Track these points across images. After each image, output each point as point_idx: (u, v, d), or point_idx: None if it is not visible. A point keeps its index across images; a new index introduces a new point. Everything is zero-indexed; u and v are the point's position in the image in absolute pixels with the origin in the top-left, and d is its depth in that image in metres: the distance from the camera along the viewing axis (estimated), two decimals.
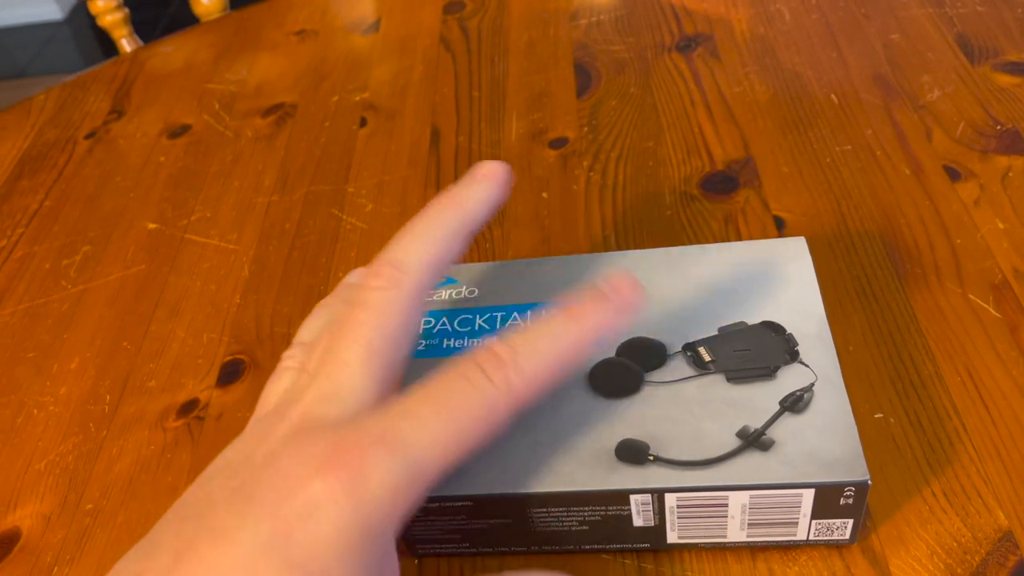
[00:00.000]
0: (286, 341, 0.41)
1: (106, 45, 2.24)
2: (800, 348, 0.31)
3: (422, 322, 0.31)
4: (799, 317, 0.32)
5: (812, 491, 0.27)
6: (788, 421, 0.28)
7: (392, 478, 0.22)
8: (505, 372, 0.23)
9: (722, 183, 0.44)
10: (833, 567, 0.29)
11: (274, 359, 0.40)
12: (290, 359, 0.27)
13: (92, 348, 0.43)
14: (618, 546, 0.30)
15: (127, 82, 0.62)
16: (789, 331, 0.31)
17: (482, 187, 0.28)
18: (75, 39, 2.32)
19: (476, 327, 0.34)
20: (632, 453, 0.29)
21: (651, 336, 0.32)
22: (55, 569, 0.34)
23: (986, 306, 0.36)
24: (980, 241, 0.39)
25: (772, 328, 0.31)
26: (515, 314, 0.34)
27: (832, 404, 0.29)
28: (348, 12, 0.65)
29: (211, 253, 0.47)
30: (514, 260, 0.35)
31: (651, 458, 0.28)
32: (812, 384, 0.29)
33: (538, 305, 0.34)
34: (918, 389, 0.34)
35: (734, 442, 0.28)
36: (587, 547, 0.30)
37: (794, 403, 0.29)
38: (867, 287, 0.38)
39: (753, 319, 0.32)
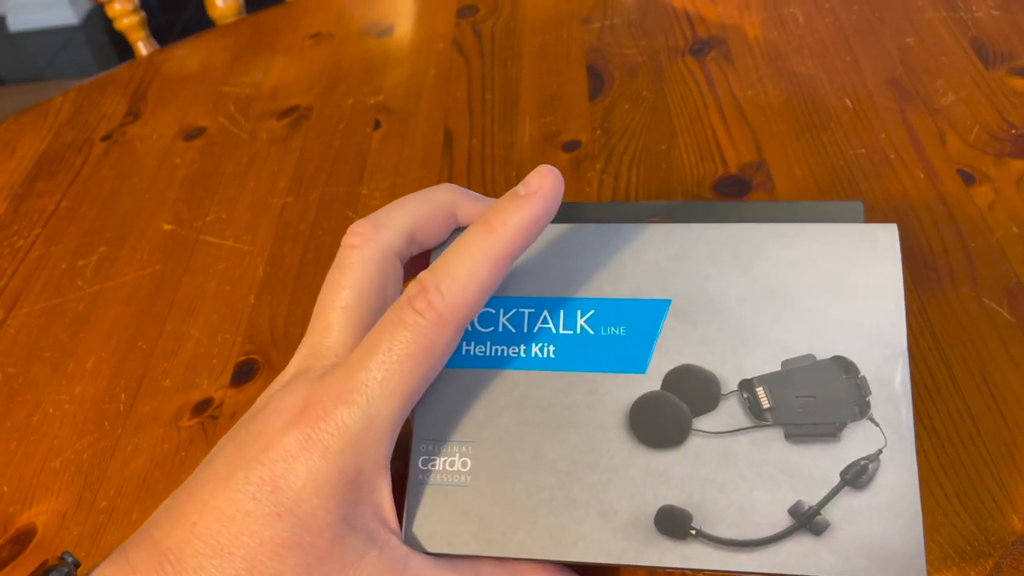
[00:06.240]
0: (300, 342, 0.41)
1: (120, 49, 2.26)
2: (872, 398, 0.26)
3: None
4: (877, 349, 0.27)
5: None
6: (847, 497, 0.26)
7: (350, 430, 0.25)
8: (430, 302, 0.25)
9: (735, 186, 0.44)
10: None
11: (287, 359, 0.40)
12: None
13: (107, 347, 0.43)
14: None
15: (143, 85, 0.63)
16: (863, 373, 0.27)
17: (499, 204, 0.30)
18: (90, 43, 2.34)
19: (500, 327, 0.29)
20: (673, 524, 0.26)
21: (702, 363, 0.28)
22: None
23: (1000, 310, 0.36)
24: (995, 245, 0.39)
25: (844, 368, 0.27)
26: (545, 312, 0.29)
27: (898, 480, 0.26)
28: (363, 16, 0.65)
29: (226, 254, 0.47)
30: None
31: (693, 532, 0.26)
32: (880, 451, 0.26)
33: (572, 300, 0.29)
34: (931, 392, 0.33)
35: (785, 520, 0.26)
36: None
37: (856, 476, 0.26)
38: None
39: (823, 344, 0.27)
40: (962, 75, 0.48)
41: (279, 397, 0.26)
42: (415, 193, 0.30)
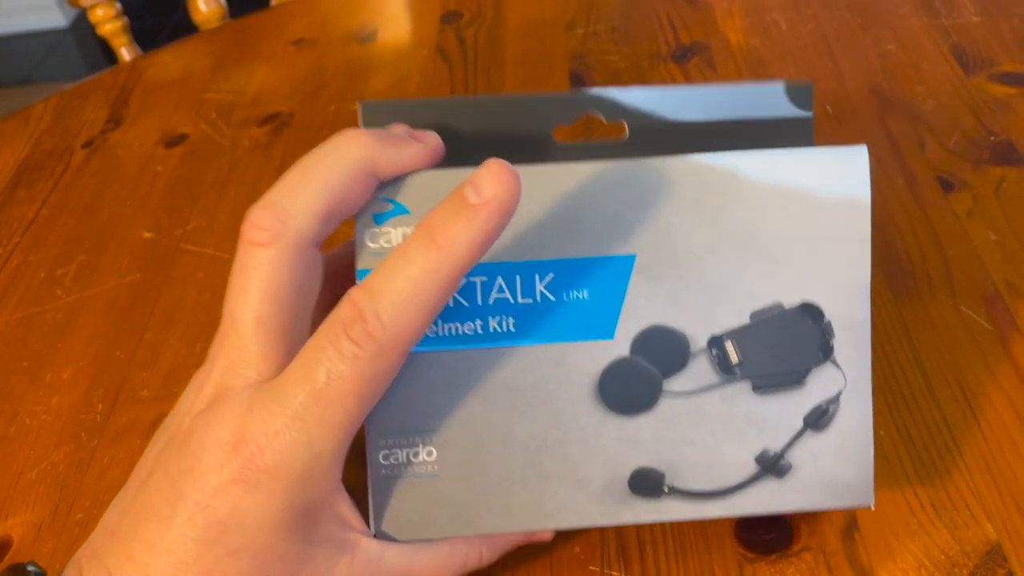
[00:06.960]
0: None
1: (109, 53, 2.25)
2: (836, 341, 0.27)
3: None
4: (843, 289, 0.27)
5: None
6: (809, 439, 0.27)
7: (293, 470, 0.23)
8: (369, 332, 0.22)
9: None
10: None
11: None
12: None
13: (86, 357, 0.43)
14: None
15: (125, 91, 0.62)
16: (827, 318, 0.27)
17: (405, 145, 0.26)
18: (79, 46, 2.33)
19: (451, 302, 0.26)
20: (647, 485, 0.27)
21: (671, 322, 0.27)
22: None
23: (977, 318, 0.36)
24: (972, 252, 0.39)
25: (810, 314, 0.27)
26: (499, 279, 0.26)
27: (854, 419, 0.27)
28: (346, 22, 0.65)
29: (206, 263, 0.47)
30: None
31: (666, 490, 0.27)
32: (839, 394, 0.27)
33: (529, 264, 0.26)
34: (908, 401, 0.34)
35: (751, 468, 0.27)
36: None
37: (818, 419, 0.27)
38: None
39: (791, 290, 0.27)
40: (942, 82, 0.48)
41: (206, 426, 0.24)
42: (320, 153, 0.25)
